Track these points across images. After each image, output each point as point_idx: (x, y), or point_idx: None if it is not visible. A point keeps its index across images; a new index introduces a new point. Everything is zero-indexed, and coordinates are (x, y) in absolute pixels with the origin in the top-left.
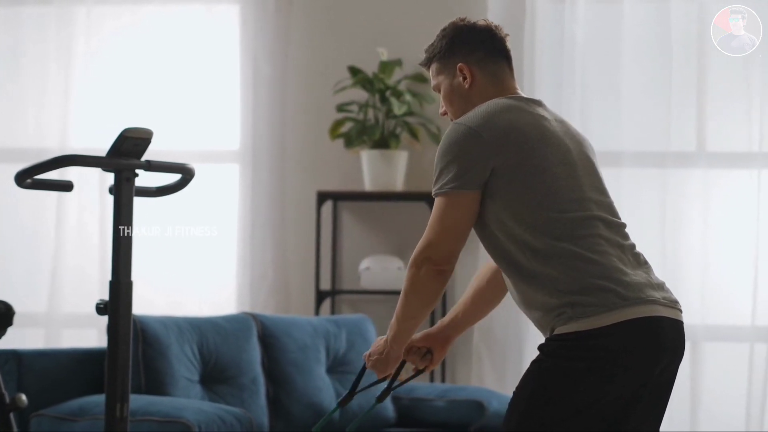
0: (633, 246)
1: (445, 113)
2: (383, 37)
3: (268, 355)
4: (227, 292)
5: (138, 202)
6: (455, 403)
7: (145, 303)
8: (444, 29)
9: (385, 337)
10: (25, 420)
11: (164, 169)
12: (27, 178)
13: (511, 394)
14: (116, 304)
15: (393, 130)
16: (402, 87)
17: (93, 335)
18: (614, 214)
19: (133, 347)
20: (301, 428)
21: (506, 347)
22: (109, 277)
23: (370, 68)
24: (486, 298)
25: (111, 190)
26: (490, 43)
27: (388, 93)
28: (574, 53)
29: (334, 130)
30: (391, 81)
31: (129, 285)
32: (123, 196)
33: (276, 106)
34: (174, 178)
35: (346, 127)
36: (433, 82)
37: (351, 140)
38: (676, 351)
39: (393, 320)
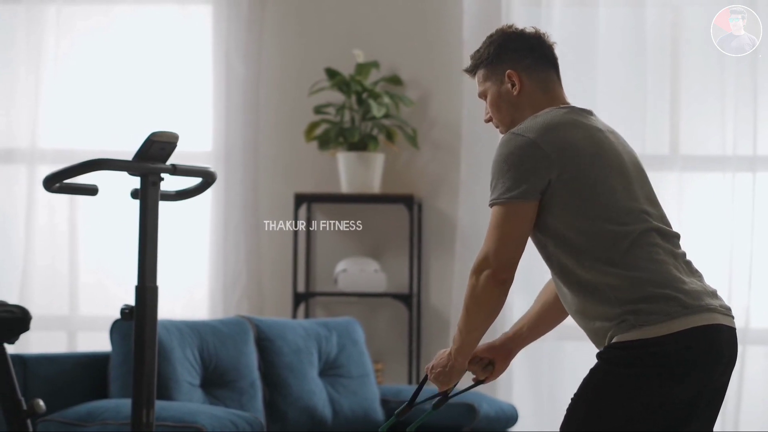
0: (685, 254)
1: (489, 119)
2: (358, 38)
3: (264, 359)
4: (200, 293)
5: (111, 203)
6: (446, 406)
7: (118, 303)
8: (491, 36)
9: (448, 349)
10: (33, 425)
11: (189, 173)
12: (55, 183)
13: (491, 397)
14: (142, 309)
15: (370, 132)
16: (378, 89)
17: (63, 338)
18: (667, 224)
19: None
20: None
21: None
22: (78, 279)
23: (345, 70)
24: (552, 313)
25: (134, 194)
26: (538, 50)
27: (365, 95)
28: None
29: (310, 132)
30: (367, 83)
31: (155, 290)
32: (149, 200)
33: (249, 107)
34: (193, 181)
35: (321, 129)
36: (479, 89)
37: (327, 142)
38: (731, 357)
39: (456, 333)
